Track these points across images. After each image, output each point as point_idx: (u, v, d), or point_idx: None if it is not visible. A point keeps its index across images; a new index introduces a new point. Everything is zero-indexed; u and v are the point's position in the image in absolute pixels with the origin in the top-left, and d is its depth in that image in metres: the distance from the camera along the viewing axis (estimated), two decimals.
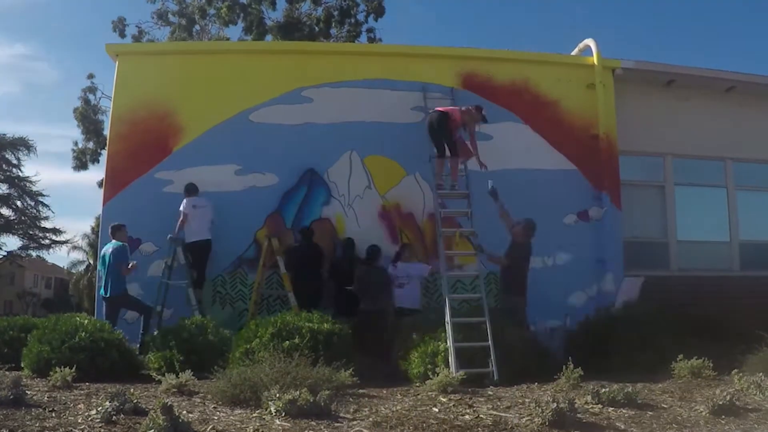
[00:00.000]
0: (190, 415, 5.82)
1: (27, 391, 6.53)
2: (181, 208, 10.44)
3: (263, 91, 11.16)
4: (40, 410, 5.91)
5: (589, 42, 12.11)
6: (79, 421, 5.59)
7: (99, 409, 5.78)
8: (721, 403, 6.24)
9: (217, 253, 10.55)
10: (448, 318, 8.73)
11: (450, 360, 8.15)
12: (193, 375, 7.24)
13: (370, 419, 5.96)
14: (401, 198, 11.02)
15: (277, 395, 6.00)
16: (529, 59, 12.12)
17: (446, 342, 8.39)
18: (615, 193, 11.41)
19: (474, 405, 6.60)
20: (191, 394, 6.96)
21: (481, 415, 6.16)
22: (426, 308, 10.44)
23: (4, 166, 34.43)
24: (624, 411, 6.33)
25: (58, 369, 7.28)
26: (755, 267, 11.45)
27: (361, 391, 7.19)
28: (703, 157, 12.39)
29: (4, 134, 34.21)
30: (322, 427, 5.59)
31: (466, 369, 7.84)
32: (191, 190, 10.63)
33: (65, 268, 50.10)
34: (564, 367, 7.49)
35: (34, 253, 38.47)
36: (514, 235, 9.70)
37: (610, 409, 6.39)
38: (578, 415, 5.94)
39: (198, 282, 10.41)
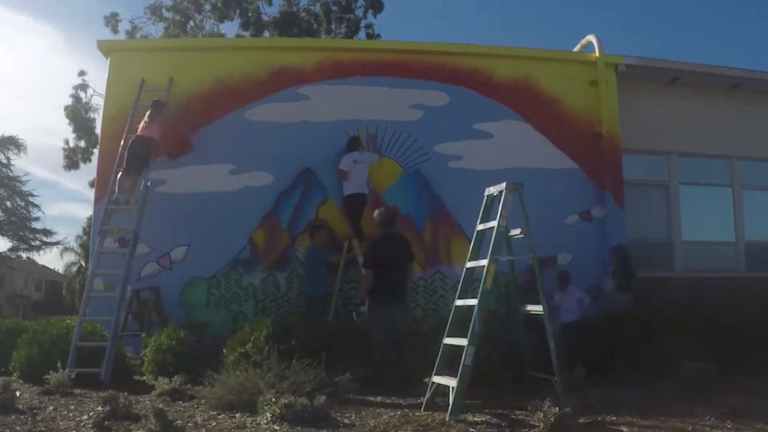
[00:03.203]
0: (184, 420, 5.74)
1: (17, 394, 6.56)
2: (341, 166, 10.46)
3: (259, 89, 10.97)
4: (30, 416, 5.86)
5: (592, 38, 11.97)
6: (71, 426, 5.57)
7: (91, 414, 5.78)
8: (726, 407, 6.18)
9: (212, 254, 10.34)
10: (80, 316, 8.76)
11: (69, 358, 8.08)
12: (187, 380, 7.15)
13: (371, 424, 5.88)
14: (399, 197, 10.81)
15: (273, 400, 5.94)
16: (530, 56, 11.98)
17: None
18: (618, 193, 11.25)
19: (474, 410, 6.45)
20: (185, 399, 6.90)
21: (481, 420, 6.06)
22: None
23: None
24: (627, 415, 6.24)
25: (49, 373, 7.20)
26: (761, 268, 11.35)
27: (361, 396, 7.09)
28: (708, 156, 12.32)
29: None
30: None
31: (80, 368, 7.77)
32: (353, 144, 10.63)
33: (58, 269, 49.97)
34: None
35: (24, 255, 38.27)
36: None
37: (614, 412, 6.31)
38: (581, 420, 5.88)
39: (357, 234, 10.33)
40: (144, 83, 10.87)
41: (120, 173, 10.03)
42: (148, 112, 10.33)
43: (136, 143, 10.03)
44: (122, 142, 10.31)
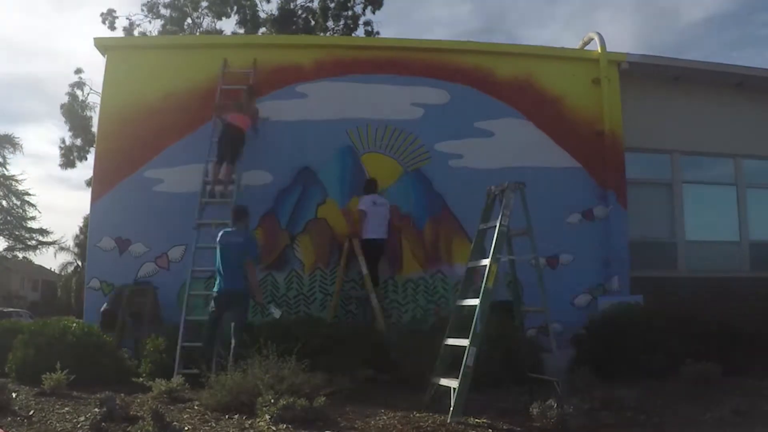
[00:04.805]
0: (181, 422, 5.71)
1: (13, 395, 6.56)
2: (361, 206, 10.16)
3: (257, 87, 10.81)
4: (26, 417, 5.83)
5: (594, 35, 11.89)
6: (68, 428, 5.54)
7: (87, 415, 5.79)
8: (729, 408, 6.18)
9: (211, 253, 10.20)
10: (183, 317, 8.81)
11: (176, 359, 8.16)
12: (185, 381, 7.12)
13: (371, 425, 5.87)
14: (399, 197, 10.71)
15: (272, 401, 5.91)
16: (532, 53, 11.88)
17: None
18: (621, 192, 11.16)
19: (475, 411, 6.39)
20: (183, 400, 6.85)
21: (482, 422, 6.06)
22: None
23: None
24: (630, 416, 6.21)
25: (45, 374, 7.15)
26: (766, 267, 11.24)
27: (361, 397, 7.01)
28: (711, 154, 12.22)
29: None
30: None
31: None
32: (371, 186, 10.34)
33: (54, 269, 49.87)
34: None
35: (20, 255, 38.15)
36: None
37: (616, 414, 6.26)
38: (582, 421, 5.84)
39: (374, 281, 9.95)
40: (227, 63, 10.89)
41: (213, 163, 10.05)
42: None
43: (231, 133, 9.99)
44: (212, 128, 10.34)
